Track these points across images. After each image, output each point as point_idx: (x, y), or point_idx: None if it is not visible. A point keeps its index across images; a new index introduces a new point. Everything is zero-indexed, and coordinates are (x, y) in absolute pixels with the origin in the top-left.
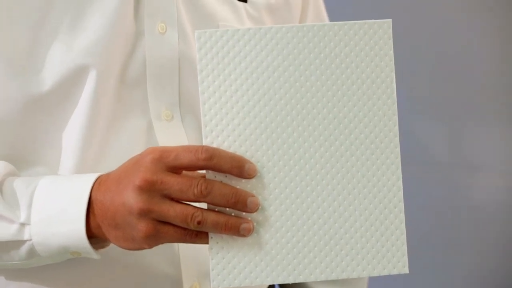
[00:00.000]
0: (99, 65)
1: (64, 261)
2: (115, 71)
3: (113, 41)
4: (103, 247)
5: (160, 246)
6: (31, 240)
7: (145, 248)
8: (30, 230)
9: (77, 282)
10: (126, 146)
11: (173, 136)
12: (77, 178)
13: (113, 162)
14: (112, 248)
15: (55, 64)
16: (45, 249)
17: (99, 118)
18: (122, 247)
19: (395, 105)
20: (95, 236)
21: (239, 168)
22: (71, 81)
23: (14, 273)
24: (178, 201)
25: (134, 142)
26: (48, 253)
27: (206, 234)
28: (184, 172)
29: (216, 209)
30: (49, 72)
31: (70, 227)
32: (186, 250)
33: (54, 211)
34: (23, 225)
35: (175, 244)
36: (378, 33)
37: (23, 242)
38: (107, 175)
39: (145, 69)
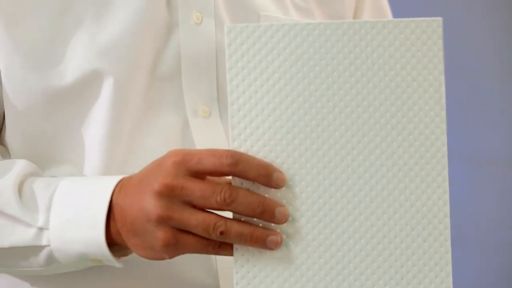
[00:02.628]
0: (126, 58)
1: (89, 270)
2: (146, 65)
3: (143, 33)
4: (125, 255)
5: (197, 255)
6: (49, 245)
7: (165, 258)
8: (48, 235)
9: None
10: (159, 146)
11: (211, 134)
12: (99, 181)
13: (144, 163)
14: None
15: (78, 55)
16: (64, 255)
17: (126, 115)
18: (142, 256)
19: (444, 112)
20: (115, 243)
21: (267, 176)
22: (95, 74)
23: (28, 277)
24: (200, 209)
25: (167, 141)
26: (67, 260)
27: (231, 245)
28: (208, 177)
29: (242, 219)
30: (71, 63)
31: (89, 233)
32: (224, 259)
33: (72, 215)
34: (41, 229)
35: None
36: (426, 32)
37: (41, 247)
38: (129, 178)
39: (179, 62)
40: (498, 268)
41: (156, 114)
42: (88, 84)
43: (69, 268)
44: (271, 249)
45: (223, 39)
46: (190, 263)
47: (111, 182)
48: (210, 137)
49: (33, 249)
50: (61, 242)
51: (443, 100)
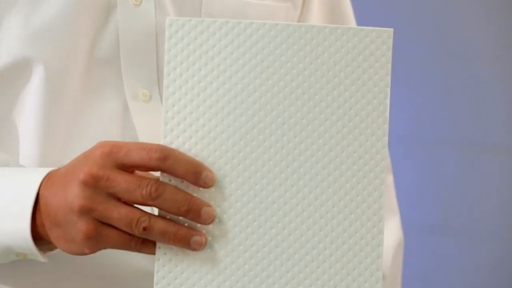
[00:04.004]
0: (61, 41)
1: (36, 263)
2: (84, 47)
3: (79, 15)
4: (51, 249)
5: None
6: None
7: (86, 253)
8: None
9: (50, 285)
10: (99, 132)
11: (152, 118)
12: (27, 172)
13: (84, 149)
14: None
15: (10, 38)
16: None
17: (63, 101)
18: (63, 250)
19: (387, 125)
20: (41, 236)
21: (195, 174)
22: (25, 60)
23: None
24: (126, 203)
25: (107, 127)
26: None
27: (154, 243)
28: (137, 172)
29: (168, 217)
30: (4, 46)
31: (14, 225)
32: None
33: None
34: None
35: None
36: (375, 43)
37: None
38: (57, 169)
39: (118, 44)
40: (491, 259)
41: (96, 99)
42: (19, 70)
43: None
44: (194, 249)
45: (163, 22)
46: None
47: (39, 174)
48: (151, 121)
49: None
50: None
51: (387, 114)
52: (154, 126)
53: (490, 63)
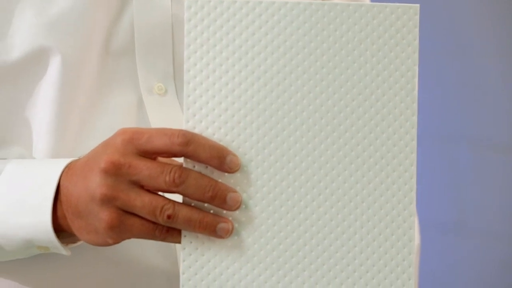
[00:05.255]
0: (75, 33)
1: (37, 257)
2: (98, 39)
3: (94, 5)
4: (73, 242)
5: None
6: None
7: (109, 244)
8: None
9: (64, 283)
10: (112, 125)
11: (166, 113)
12: (47, 163)
13: (96, 143)
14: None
15: (25, 29)
16: (8, 242)
17: (77, 94)
18: (86, 241)
19: (415, 104)
20: (62, 228)
21: (220, 159)
22: (42, 51)
23: None
24: (149, 190)
25: (121, 121)
26: (11, 246)
27: (179, 231)
28: (159, 158)
29: (193, 204)
30: (19, 38)
31: (35, 218)
32: None
33: (18, 199)
34: None
35: None
36: (401, 19)
37: None
38: (77, 159)
39: (133, 37)
40: (506, 259)
41: (110, 92)
42: (35, 61)
43: (14, 255)
44: (221, 237)
45: (179, 12)
46: (147, 247)
47: (59, 164)
48: (166, 116)
49: None
50: (5, 228)
51: (415, 92)
52: (169, 121)
53: (509, 61)
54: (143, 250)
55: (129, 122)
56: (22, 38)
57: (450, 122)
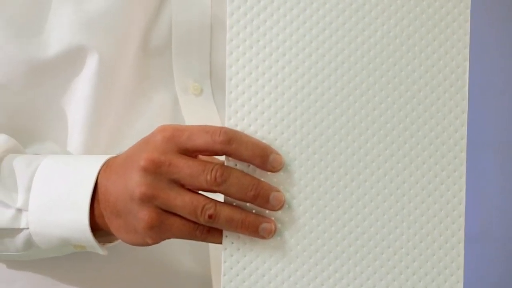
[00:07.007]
0: (113, 31)
1: (78, 257)
2: (135, 38)
3: (132, 3)
4: (110, 241)
5: (187, 242)
6: (28, 228)
7: (149, 244)
8: (27, 217)
9: (93, 281)
10: (147, 124)
11: (202, 113)
12: (84, 160)
13: (130, 143)
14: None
15: (62, 26)
16: (44, 240)
17: (113, 92)
18: (124, 241)
19: (466, 101)
20: (100, 227)
21: (263, 157)
22: (79, 48)
23: (19, 265)
24: (189, 189)
25: (156, 120)
26: (47, 244)
27: (221, 232)
28: (200, 156)
29: (234, 204)
30: (55, 35)
31: (72, 216)
32: (218, 246)
33: (54, 196)
34: (19, 210)
35: None
36: (452, 1)
37: (19, 230)
38: (116, 157)
39: (170, 36)
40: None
41: (145, 91)
42: (72, 58)
43: (50, 253)
44: (263, 237)
45: (219, 12)
46: (180, 250)
47: (97, 161)
48: (200, 116)
49: (10, 232)
50: (40, 225)
51: (466, 89)
52: (204, 120)
53: None
54: (176, 252)
55: (164, 121)
56: (59, 36)
57: (476, 129)
